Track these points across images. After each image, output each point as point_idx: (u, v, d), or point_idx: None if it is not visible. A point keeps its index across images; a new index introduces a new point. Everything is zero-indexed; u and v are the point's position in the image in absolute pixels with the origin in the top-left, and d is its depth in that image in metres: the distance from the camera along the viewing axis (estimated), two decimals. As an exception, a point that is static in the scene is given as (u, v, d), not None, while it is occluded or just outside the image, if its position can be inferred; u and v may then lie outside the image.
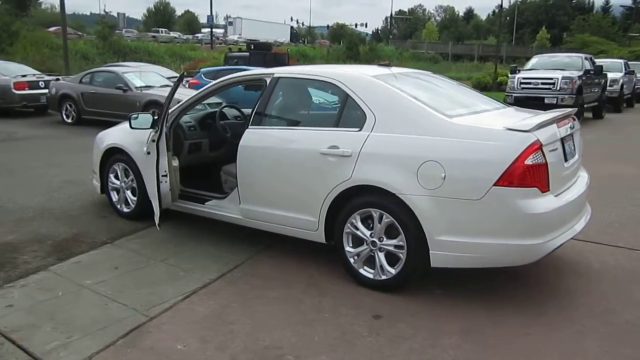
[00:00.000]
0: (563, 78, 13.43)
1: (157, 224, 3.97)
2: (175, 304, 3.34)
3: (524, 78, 14.18)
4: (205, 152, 4.81)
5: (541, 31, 63.93)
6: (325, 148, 3.57)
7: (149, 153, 3.90)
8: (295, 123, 4.12)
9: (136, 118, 4.43)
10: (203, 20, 79.26)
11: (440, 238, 3.20)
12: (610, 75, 16.72)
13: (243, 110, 5.09)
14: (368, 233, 3.50)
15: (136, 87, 11.34)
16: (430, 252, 3.25)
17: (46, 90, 12.74)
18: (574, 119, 3.71)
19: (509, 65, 26.79)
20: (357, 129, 3.52)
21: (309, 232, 3.79)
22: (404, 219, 3.31)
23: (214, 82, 4.40)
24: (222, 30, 63.46)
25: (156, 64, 20.95)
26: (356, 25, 65.60)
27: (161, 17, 70.94)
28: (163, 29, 57.34)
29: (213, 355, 2.78)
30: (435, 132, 3.26)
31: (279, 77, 4.05)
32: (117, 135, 5.11)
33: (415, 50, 55.81)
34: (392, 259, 3.45)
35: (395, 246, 3.40)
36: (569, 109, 3.56)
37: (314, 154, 3.63)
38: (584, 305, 3.38)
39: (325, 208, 3.63)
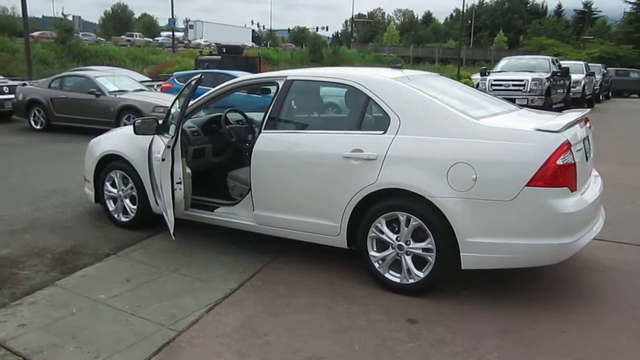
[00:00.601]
0: (533, 80, 13.83)
1: (172, 234, 3.82)
2: (201, 317, 3.22)
3: (495, 80, 14.51)
4: (208, 158, 4.68)
5: (499, 34, 65.68)
6: (348, 151, 3.51)
7: (163, 160, 3.75)
8: (313, 126, 4.05)
9: (140, 124, 4.26)
10: (162, 23, 77.98)
11: (471, 240, 3.19)
12: (572, 77, 17.34)
13: (246, 114, 4.97)
14: (394, 237, 3.46)
15: (109, 92, 10.99)
16: (461, 254, 3.24)
17: (11, 96, 12.19)
18: (588, 120, 3.79)
19: (469, 67, 27.44)
20: (381, 132, 3.48)
21: (330, 237, 3.72)
22: (433, 222, 3.28)
23: (220, 85, 4.27)
24: (181, 34, 62.41)
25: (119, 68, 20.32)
26: (317, 28, 65.71)
27: (119, 20, 69.26)
28: (138, 33, 56.10)
29: (255, 369, 2.68)
30: (464, 134, 3.25)
31: (292, 80, 3.97)
32: (113, 141, 4.92)
33: (377, 53, 56.37)
34: (419, 262, 3.43)
35: (424, 249, 3.37)
36: (586, 110, 3.62)
37: (335, 157, 3.56)
38: (606, 301, 3.44)
39: (348, 212, 3.57)
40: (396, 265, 3.51)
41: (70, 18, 41.51)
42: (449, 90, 4.02)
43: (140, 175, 4.58)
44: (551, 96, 14.16)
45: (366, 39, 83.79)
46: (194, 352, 2.83)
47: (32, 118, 11.73)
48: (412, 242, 3.41)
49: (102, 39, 48.51)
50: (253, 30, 73.40)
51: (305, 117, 4.24)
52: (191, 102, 4.37)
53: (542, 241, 3.12)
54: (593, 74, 20.00)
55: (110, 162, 4.85)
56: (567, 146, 3.10)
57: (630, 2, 54.24)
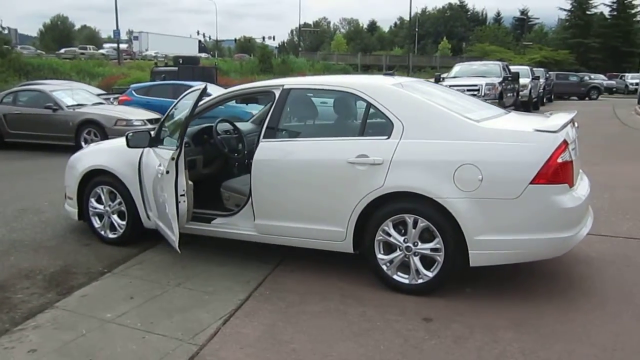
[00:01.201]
0: (486, 84, 14.38)
1: (177, 248, 3.75)
2: (219, 329, 3.18)
3: (450, 85, 14.87)
4: (199, 169, 4.62)
5: (442, 42, 67.83)
6: (353, 157, 3.57)
7: (167, 172, 3.68)
8: (314, 134, 4.09)
9: (133, 137, 4.18)
10: (104, 35, 75.86)
11: (479, 238, 3.32)
12: (520, 81, 18.12)
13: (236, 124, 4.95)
14: (401, 239, 3.54)
15: (67, 106, 10.62)
16: (470, 252, 3.36)
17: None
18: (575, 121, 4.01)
19: (417, 74, 28.21)
20: (385, 137, 3.56)
21: (336, 242, 3.76)
22: (441, 222, 3.39)
23: (214, 95, 4.24)
24: (125, 45, 60.98)
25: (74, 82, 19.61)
26: (264, 38, 65.77)
27: (59, 32, 66.82)
28: (91, 46, 54.21)
29: (288, 376, 2.69)
30: (468, 137, 3.38)
31: (290, 89, 4.00)
32: (98, 156, 4.79)
33: (326, 61, 56.96)
34: (427, 262, 3.52)
35: (432, 249, 3.47)
36: (574, 112, 3.83)
37: (340, 163, 3.62)
38: (603, 290, 3.65)
39: (354, 217, 3.63)
40: (403, 266, 3.59)
41: (6, 31, 39.80)
42: (441, 95, 4.16)
43: (130, 189, 4.48)
44: (503, 100, 14.74)
45: (312, 47, 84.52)
46: (222, 365, 2.80)
47: (-17, 136, 11.16)
48: (419, 243, 3.50)
49: (42, 52, 46.65)
50: (200, 41, 72.63)
51: (305, 124, 4.28)
52: (181, 114, 4.32)
53: (545, 235, 3.29)
54: (538, 78, 20.99)
55: (95, 178, 4.71)
56: (565, 145, 3.28)
57: (564, 10, 57.49)
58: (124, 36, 63.15)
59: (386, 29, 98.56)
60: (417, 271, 3.53)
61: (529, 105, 19.09)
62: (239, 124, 5.08)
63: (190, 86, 13.00)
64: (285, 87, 4.03)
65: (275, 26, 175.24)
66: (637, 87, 29.56)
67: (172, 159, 3.69)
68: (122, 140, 4.88)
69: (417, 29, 70.03)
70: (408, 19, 48.06)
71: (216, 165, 4.87)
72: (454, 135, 3.42)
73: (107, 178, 4.63)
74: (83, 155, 5.01)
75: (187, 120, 3.82)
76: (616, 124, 15.77)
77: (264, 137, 3.95)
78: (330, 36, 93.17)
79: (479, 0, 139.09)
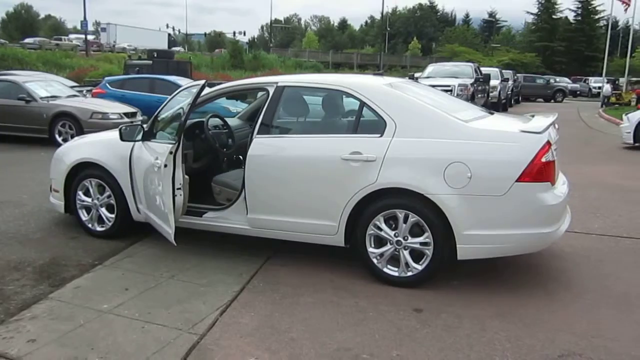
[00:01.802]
0: (459, 85, 14.72)
1: (173, 240, 3.80)
2: (217, 319, 3.26)
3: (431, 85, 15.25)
4: (189, 164, 4.66)
5: (413, 41, 68.63)
6: (347, 154, 3.69)
7: (166, 166, 3.73)
8: (308, 130, 4.19)
9: (126, 130, 4.20)
10: (69, 25, 73.95)
11: (467, 232, 3.49)
12: (491, 82, 18.60)
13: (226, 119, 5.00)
14: (392, 233, 3.68)
15: (41, 98, 10.41)
16: (457, 246, 3.52)
17: None
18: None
19: (388, 73, 28.54)
20: (378, 135, 3.69)
21: (328, 236, 3.88)
22: (431, 217, 3.55)
23: (208, 90, 4.28)
24: (92, 37, 59.59)
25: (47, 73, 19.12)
26: (235, 33, 65.21)
27: (23, 21, 64.76)
28: (66, 37, 52.58)
29: (290, 364, 2.79)
30: (457, 136, 3.54)
31: (284, 86, 4.09)
32: (88, 149, 4.77)
33: (297, 58, 56.94)
34: (416, 255, 3.67)
35: (421, 243, 3.62)
36: (555, 114, 4.04)
37: (334, 160, 3.73)
38: (579, 283, 3.88)
39: (347, 212, 3.75)
40: (393, 259, 3.74)
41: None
42: (429, 96, 4.31)
43: (120, 182, 4.49)
44: (475, 101, 15.11)
45: (283, 44, 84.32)
46: (224, 353, 2.88)
47: (-49, 127, 10.82)
48: (409, 238, 3.65)
49: (5, 42, 45.16)
50: (169, 34, 71.53)
51: (299, 121, 4.37)
52: (174, 109, 4.36)
53: (529, 231, 3.48)
54: (507, 79, 21.57)
55: (83, 171, 4.70)
56: (548, 146, 3.48)
57: (531, 13, 58.99)
58: (90, 27, 61.79)
59: (357, 27, 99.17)
60: (407, 264, 3.68)
61: (498, 107, 19.57)
62: (229, 120, 5.13)
63: (166, 80, 12.99)
64: (279, 84, 4.12)
65: (245, 21, 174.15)
66: (600, 90, 30.67)
67: (171, 152, 3.74)
68: (110, 133, 4.92)
69: (388, 28, 70.70)
70: (379, 18, 48.56)
71: (206, 159, 4.91)
72: (445, 134, 3.58)
73: (95, 171, 4.62)
74: (70, 147, 4.98)
75: (187, 115, 3.87)
76: (582, 127, 16.39)
77: (257, 133, 4.03)
78: (302, 33, 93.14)
79: (449, 2, 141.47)
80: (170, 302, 3.49)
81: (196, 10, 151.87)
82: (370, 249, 3.77)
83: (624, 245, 4.74)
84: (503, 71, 22.23)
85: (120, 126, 4.27)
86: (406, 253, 3.68)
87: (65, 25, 76.10)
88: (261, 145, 3.98)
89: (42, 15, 76.10)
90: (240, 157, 4.69)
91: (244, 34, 72.89)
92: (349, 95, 3.93)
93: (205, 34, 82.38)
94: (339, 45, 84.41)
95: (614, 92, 25.83)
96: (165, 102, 4.36)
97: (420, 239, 3.62)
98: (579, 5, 58.04)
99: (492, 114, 4.37)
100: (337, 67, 56.74)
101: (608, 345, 2.97)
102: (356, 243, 3.82)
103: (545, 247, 3.66)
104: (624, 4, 30.43)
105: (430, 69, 17.31)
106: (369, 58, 60.19)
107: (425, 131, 3.62)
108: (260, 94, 4.88)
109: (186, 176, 4.01)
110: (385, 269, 3.76)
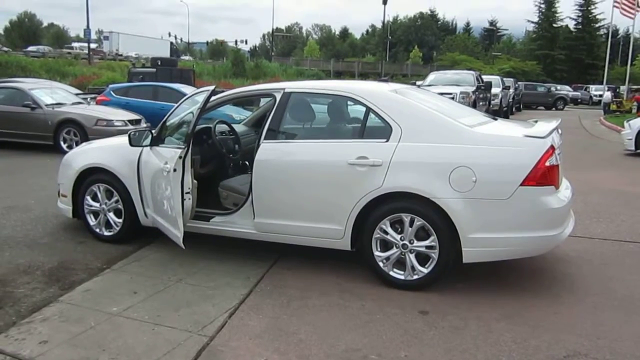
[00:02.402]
0: (461, 93, 14.80)
1: (181, 244, 3.85)
2: (226, 322, 3.30)
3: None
4: (196, 169, 4.72)
5: (414, 50, 68.92)
6: (354, 159, 3.75)
7: (175, 170, 3.78)
8: (314, 136, 4.24)
9: (135, 135, 4.26)
10: (72, 34, 74.39)
11: (472, 236, 3.53)
12: (492, 90, 18.70)
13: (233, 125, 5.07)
14: (398, 237, 3.73)
15: (46, 105, 10.48)
16: (463, 249, 3.57)
17: None
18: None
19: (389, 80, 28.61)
20: (384, 140, 3.75)
21: (334, 240, 3.92)
22: (436, 221, 3.59)
23: (215, 97, 4.34)
24: (95, 45, 59.98)
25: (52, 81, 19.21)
26: (236, 42, 65.58)
27: (26, 29, 65.18)
28: (77, 44, 53.03)
29: (299, 364, 2.83)
30: (462, 141, 3.60)
31: (291, 92, 4.16)
32: (96, 154, 4.83)
33: (298, 67, 57.20)
34: (422, 259, 3.72)
35: (427, 247, 3.67)
36: (559, 119, 4.10)
37: (341, 164, 3.78)
38: (583, 286, 3.92)
39: (353, 216, 3.79)
40: (399, 263, 3.78)
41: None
42: (433, 102, 4.37)
43: (128, 187, 4.55)
44: (476, 108, 15.19)
45: (284, 52, 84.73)
46: (234, 354, 2.92)
47: (-44, 134, 10.89)
48: (415, 241, 3.69)
49: (9, 49, 45.49)
50: (171, 43, 71.95)
51: (306, 127, 4.42)
52: (182, 114, 4.43)
53: (534, 234, 3.53)
54: (508, 87, 21.68)
55: (91, 176, 4.75)
56: (552, 150, 3.53)
57: (532, 22, 59.30)
58: (93, 35, 62.18)
59: (358, 36, 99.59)
60: (413, 267, 3.72)
61: (499, 115, 19.61)
62: (235, 126, 5.20)
63: (170, 88, 13.08)
64: (286, 90, 4.18)
65: (247, 30, 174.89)
66: (600, 98, 30.76)
67: (180, 157, 3.79)
68: (118, 139, 4.99)
69: (389, 37, 71.03)
70: (380, 27, 48.86)
71: (212, 165, 4.97)
72: (450, 139, 3.63)
73: (103, 176, 4.68)
74: (79, 153, 5.04)
75: (197, 120, 3.93)
76: (583, 134, 16.45)
77: (265, 139, 4.08)
78: (303, 42, 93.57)
79: (449, 10, 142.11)
80: (179, 305, 3.53)
81: (198, 19, 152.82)
82: (376, 253, 3.81)
83: (627, 249, 4.78)
84: (504, 79, 22.33)
85: (130, 132, 4.33)
86: (412, 256, 3.72)
87: (68, 34, 76.69)
88: (268, 151, 4.04)
89: (45, 24, 76.79)
90: (247, 162, 4.75)
91: (246, 42, 73.18)
92: (355, 101, 3.99)
93: (207, 42, 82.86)
94: (340, 54, 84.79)
95: (614, 99, 25.91)
96: (174, 109, 4.43)
97: (426, 243, 3.66)
98: (580, 14, 58.32)
99: (495, 119, 4.43)
100: (339, 76, 56.87)
101: (612, 346, 3.01)
102: (362, 247, 3.86)
103: (549, 249, 3.70)
104: (630, 16, 30.56)
105: (432, 77, 17.42)
106: (370, 67, 60.47)
107: (431, 136, 3.68)
108: (266, 100, 4.94)
109: (195, 181, 4.06)
110: (391, 273, 3.80)
